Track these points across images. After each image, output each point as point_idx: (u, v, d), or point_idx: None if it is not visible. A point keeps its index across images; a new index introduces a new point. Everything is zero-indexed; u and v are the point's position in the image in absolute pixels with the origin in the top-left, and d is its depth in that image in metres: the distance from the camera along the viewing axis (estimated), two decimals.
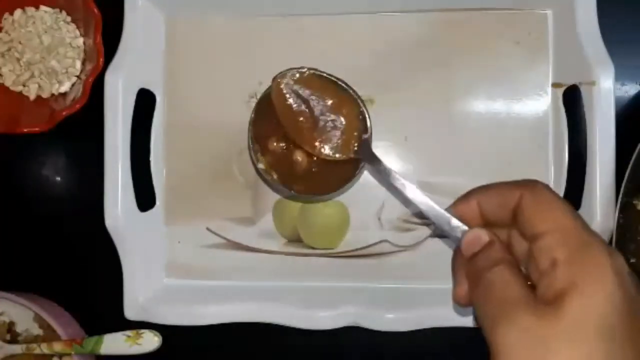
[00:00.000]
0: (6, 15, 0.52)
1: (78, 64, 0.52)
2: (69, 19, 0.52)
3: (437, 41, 0.51)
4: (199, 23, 0.52)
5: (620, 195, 0.41)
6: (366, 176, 0.51)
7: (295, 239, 0.52)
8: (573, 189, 0.48)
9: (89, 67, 0.51)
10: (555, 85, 0.50)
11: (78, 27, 0.52)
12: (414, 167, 0.51)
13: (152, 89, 0.51)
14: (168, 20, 0.52)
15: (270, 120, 0.45)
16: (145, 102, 0.51)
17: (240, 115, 0.50)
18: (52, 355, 0.50)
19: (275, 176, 0.46)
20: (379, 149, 0.50)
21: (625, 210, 0.42)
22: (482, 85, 0.50)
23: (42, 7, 0.52)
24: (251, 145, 0.46)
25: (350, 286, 0.51)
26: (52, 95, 0.52)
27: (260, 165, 0.46)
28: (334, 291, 0.50)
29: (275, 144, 0.45)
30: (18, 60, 0.51)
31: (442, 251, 0.50)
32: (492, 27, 0.50)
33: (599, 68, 0.45)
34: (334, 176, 0.46)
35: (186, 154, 0.52)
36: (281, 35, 0.51)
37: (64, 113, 0.50)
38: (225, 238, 0.52)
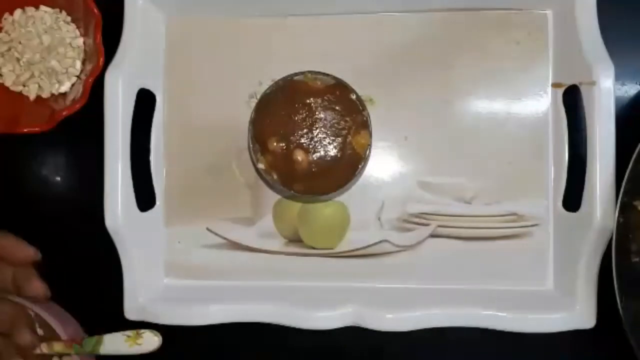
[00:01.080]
0: (6, 15, 0.52)
1: (78, 64, 0.52)
2: (69, 19, 0.52)
3: (437, 41, 0.51)
4: (199, 23, 0.52)
5: (620, 195, 0.41)
6: (366, 176, 0.51)
7: (295, 239, 0.52)
8: (573, 189, 0.48)
9: (89, 67, 0.51)
10: (555, 85, 0.50)
11: (78, 27, 0.52)
12: (414, 167, 0.51)
13: (152, 89, 0.51)
14: (168, 20, 0.52)
15: (270, 120, 0.45)
16: (145, 102, 0.51)
17: (240, 115, 0.50)
18: (52, 355, 0.49)
19: (275, 176, 0.46)
20: (379, 149, 0.50)
21: (625, 210, 0.42)
22: (482, 85, 0.50)
23: (42, 7, 0.52)
24: (251, 145, 0.46)
25: (350, 286, 0.51)
26: (52, 95, 0.52)
27: (260, 165, 0.46)
28: (334, 291, 0.50)
29: (275, 144, 0.45)
30: (18, 60, 0.51)
31: (442, 251, 0.50)
32: (492, 27, 0.50)
33: (599, 68, 0.45)
34: (334, 176, 0.46)
35: (186, 154, 0.52)
36: (281, 35, 0.51)
37: (64, 113, 0.50)
38: (225, 238, 0.52)
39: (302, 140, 0.45)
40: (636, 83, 0.51)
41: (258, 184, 0.52)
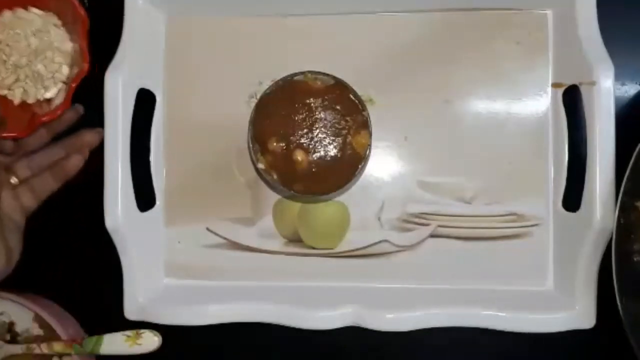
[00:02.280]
0: None
1: (65, 69, 0.51)
2: (59, 22, 0.51)
3: (437, 41, 0.51)
4: (199, 23, 0.52)
5: (620, 195, 0.41)
6: (366, 176, 0.51)
7: (295, 239, 0.52)
8: (573, 189, 0.48)
9: (76, 72, 0.50)
10: (555, 85, 0.50)
11: (68, 32, 0.51)
12: (414, 167, 0.51)
13: (152, 89, 0.51)
14: (168, 20, 0.52)
15: (270, 120, 0.45)
16: (145, 102, 0.51)
17: (240, 115, 0.50)
18: (52, 355, 0.49)
19: (275, 176, 0.46)
20: (379, 149, 0.50)
21: (626, 210, 0.42)
22: (482, 85, 0.50)
23: (33, 9, 0.50)
24: (251, 145, 0.46)
25: (350, 286, 0.51)
26: (37, 100, 0.51)
27: (260, 165, 0.46)
28: (334, 291, 0.50)
29: (275, 144, 0.45)
30: (4, 62, 0.50)
31: (442, 251, 0.50)
32: (492, 27, 0.50)
33: (599, 68, 0.45)
34: (334, 176, 0.46)
35: (186, 154, 0.52)
36: (281, 35, 0.51)
37: (44, 118, 0.48)
38: (225, 238, 0.52)
39: (302, 140, 0.45)
40: (636, 83, 0.51)
41: (258, 184, 0.52)
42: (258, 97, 0.48)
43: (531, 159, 0.50)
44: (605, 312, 0.45)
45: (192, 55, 0.52)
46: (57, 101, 0.50)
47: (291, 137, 0.45)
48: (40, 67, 0.50)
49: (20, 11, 0.50)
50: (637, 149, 0.41)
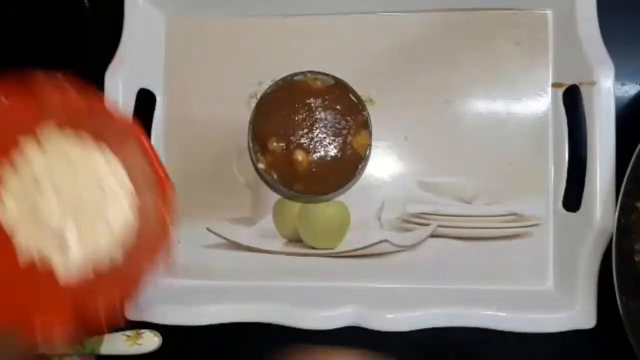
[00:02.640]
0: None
1: (107, 247, 0.34)
2: (127, 182, 0.34)
3: (437, 41, 0.51)
4: (199, 23, 0.52)
5: (621, 196, 0.41)
6: (366, 176, 0.51)
7: (295, 239, 0.52)
8: (573, 189, 0.48)
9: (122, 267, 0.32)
10: (555, 85, 0.50)
11: (137, 199, 0.35)
12: (414, 167, 0.51)
13: (152, 89, 0.51)
14: (168, 20, 0.52)
15: (270, 120, 0.45)
16: (145, 102, 0.51)
17: (240, 115, 0.50)
18: (52, 355, 0.49)
19: (275, 176, 0.46)
20: (379, 149, 0.50)
21: (626, 210, 0.42)
22: (482, 85, 0.50)
23: (106, 150, 0.32)
24: (251, 145, 0.46)
25: (350, 286, 0.51)
26: (49, 269, 0.33)
27: (260, 165, 0.46)
28: (334, 291, 0.50)
29: (275, 144, 0.45)
30: (31, 181, 0.33)
31: (442, 251, 0.50)
32: (492, 27, 0.50)
33: (599, 68, 0.45)
34: (334, 176, 0.46)
35: (186, 154, 0.52)
36: (281, 35, 0.51)
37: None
38: (225, 238, 0.52)
39: (302, 140, 0.45)
40: (636, 83, 0.51)
41: (258, 184, 0.52)
42: (258, 97, 0.48)
43: (531, 159, 0.50)
44: (605, 312, 0.45)
45: (192, 55, 0.52)
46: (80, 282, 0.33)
47: (291, 137, 0.45)
48: (72, 227, 0.32)
49: (92, 150, 0.34)
50: (637, 149, 0.41)
